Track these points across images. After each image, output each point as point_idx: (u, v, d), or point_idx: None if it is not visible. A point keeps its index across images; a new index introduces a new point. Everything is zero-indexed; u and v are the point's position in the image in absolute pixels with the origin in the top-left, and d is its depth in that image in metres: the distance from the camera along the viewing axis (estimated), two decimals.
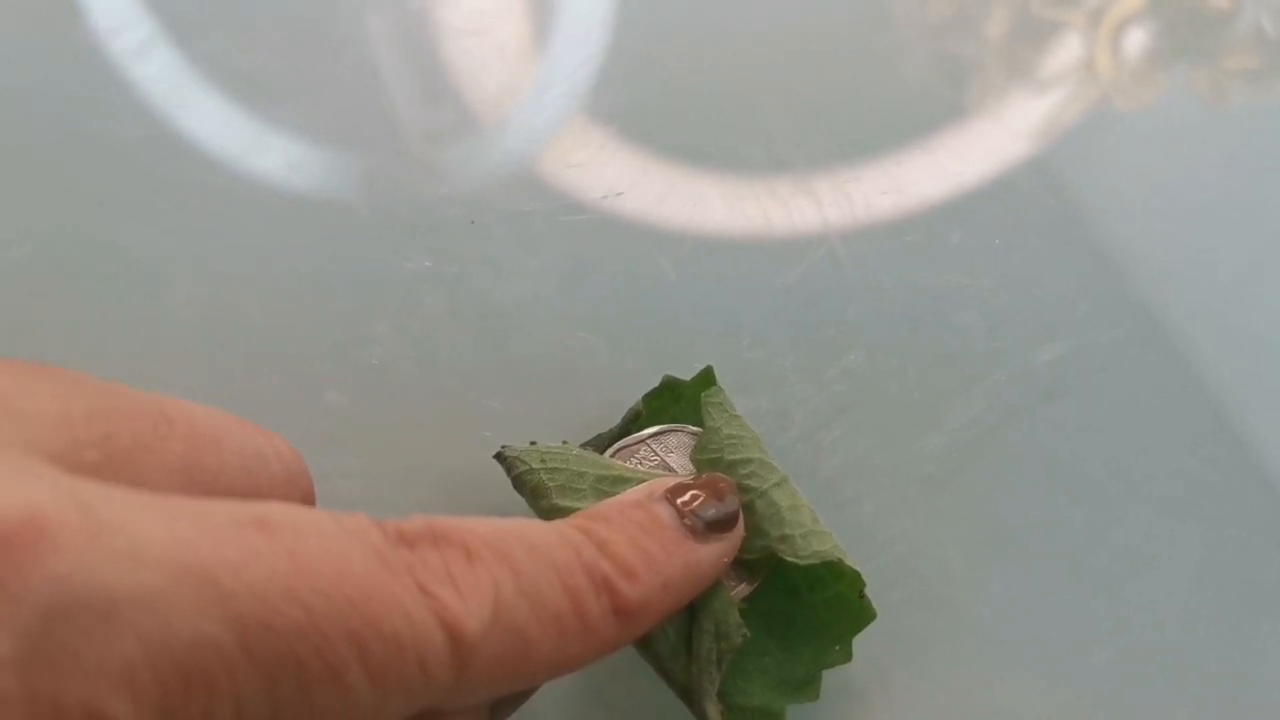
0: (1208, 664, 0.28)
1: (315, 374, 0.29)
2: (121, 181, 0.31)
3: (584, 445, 0.27)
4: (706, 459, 0.25)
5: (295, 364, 0.29)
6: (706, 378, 0.27)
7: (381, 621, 0.16)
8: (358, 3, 0.34)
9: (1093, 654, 0.27)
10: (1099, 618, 0.28)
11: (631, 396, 0.27)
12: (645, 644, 0.24)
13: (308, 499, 0.21)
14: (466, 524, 0.19)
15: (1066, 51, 0.35)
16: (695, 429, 0.26)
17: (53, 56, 0.33)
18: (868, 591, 0.25)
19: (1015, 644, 0.27)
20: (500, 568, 0.19)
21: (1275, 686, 0.27)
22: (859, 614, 0.25)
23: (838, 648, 0.25)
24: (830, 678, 0.25)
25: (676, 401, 0.27)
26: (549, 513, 0.24)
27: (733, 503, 0.24)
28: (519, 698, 0.22)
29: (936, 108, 0.34)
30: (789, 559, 0.24)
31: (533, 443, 0.25)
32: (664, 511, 0.22)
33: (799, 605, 0.25)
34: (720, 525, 0.23)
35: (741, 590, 0.25)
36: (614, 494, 0.24)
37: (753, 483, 0.25)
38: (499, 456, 0.25)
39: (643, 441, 0.26)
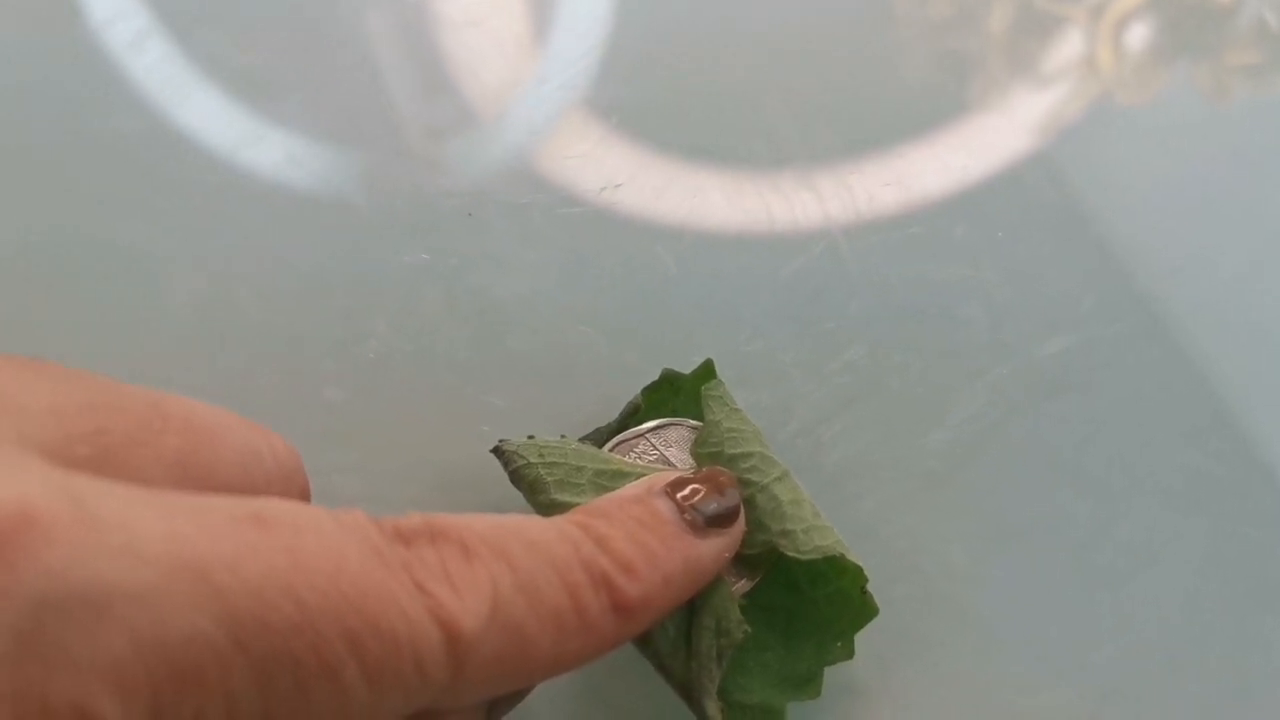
0: (1211, 658, 0.27)
1: (314, 369, 0.29)
2: (120, 178, 0.31)
3: (583, 439, 0.27)
4: (707, 453, 0.25)
5: (294, 359, 0.29)
6: (707, 371, 0.27)
7: (378, 619, 0.16)
8: None
9: (1096, 649, 0.27)
10: (1102, 613, 0.28)
11: (630, 390, 0.27)
12: (644, 641, 0.24)
13: (304, 496, 0.21)
14: (464, 521, 0.19)
15: (1068, 46, 0.35)
16: (695, 423, 0.26)
17: (51, 53, 0.33)
18: (870, 587, 0.25)
19: (1018, 639, 0.27)
20: (498, 565, 0.18)
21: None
22: (861, 610, 0.25)
23: (839, 644, 0.25)
24: (832, 674, 0.25)
25: (676, 395, 0.27)
26: (547, 508, 0.24)
27: (733, 497, 0.23)
28: (516, 696, 0.21)
29: (939, 102, 0.33)
30: (790, 554, 0.24)
31: (531, 437, 0.25)
32: (664, 506, 0.22)
33: (800, 601, 0.25)
34: (721, 520, 0.23)
35: (742, 586, 0.24)
36: (613, 489, 0.24)
37: (754, 477, 0.25)
38: (497, 451, 0.25)
39: (642, 435, 0.26)
